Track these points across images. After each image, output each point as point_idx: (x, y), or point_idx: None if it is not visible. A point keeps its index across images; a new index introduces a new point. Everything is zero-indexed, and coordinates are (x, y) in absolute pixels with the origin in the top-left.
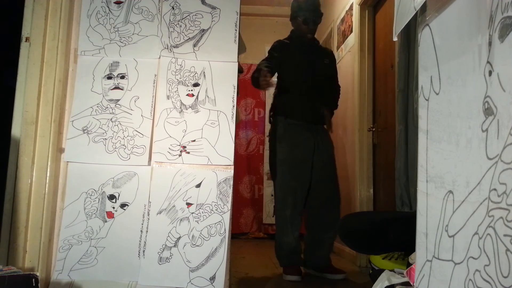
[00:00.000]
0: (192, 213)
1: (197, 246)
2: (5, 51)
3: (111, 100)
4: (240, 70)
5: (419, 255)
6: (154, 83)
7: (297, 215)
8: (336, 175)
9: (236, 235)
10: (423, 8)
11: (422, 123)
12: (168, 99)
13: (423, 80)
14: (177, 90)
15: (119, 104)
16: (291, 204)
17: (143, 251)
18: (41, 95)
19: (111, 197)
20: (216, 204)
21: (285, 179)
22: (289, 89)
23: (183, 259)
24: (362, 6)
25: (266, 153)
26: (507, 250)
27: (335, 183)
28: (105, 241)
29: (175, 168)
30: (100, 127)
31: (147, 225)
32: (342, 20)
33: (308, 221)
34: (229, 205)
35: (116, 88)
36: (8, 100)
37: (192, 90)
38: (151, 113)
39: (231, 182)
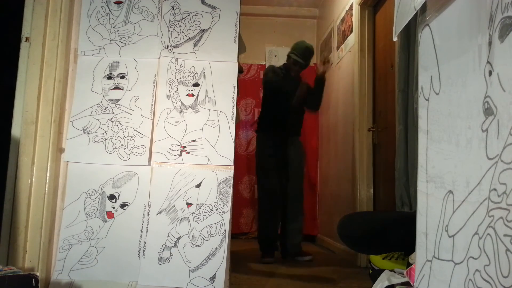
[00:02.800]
0: (192, 213)
1: (197, 246)
2: (5, 51)
3: (111, 100)
4: (240, 70)
5: (419, 255)
6: (154, 83)
7: (273, 211)
8: (303, 176)
9: (236, 235)
10: (423, 8)
11: (422, 123)
12: (168, 99)
13: (423, 80)
14: (177, 90)
15: (119, 104)
16: (269, 202)
17: (143, 251)
18: (41, 95)
19: (111, 197)
20: (216, 204)
21: (263, 183)
22: (270, 110)
23: (183, 259)
24: (362, 6)
25: None
26: (507, 250)
27: (300, 183)
28: (105, 241)
29: (175, 168)
30: (100, 127)
31: (147, 225)
32: (342, 20)
33: (282, 215)
34: (229, 205)
35: (116, 88)
36: (8, 100)
37: (192, 90)
38: (151, 113)
39: (231, 182)
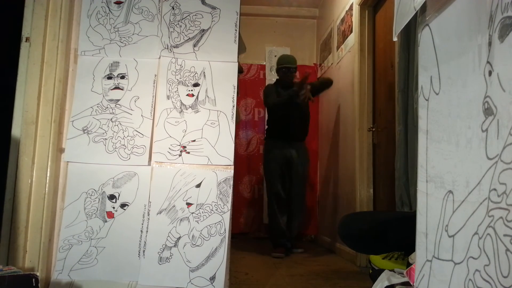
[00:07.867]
0: (192, 213)
1: (197, 246)
2: (5, 51)
3: (111, 100)
4: (240, 70)
5: (419, 255)
6: (154, 83)
7: (281, 207)
8: (307, 176)
9: (236, 235)
10: (423, 8)
11: (422, 123)
12: (168, 99)
13: (423, 80)
14: (177, 90)
15: (119, 104)
16: (276, 200)
17: (143, 251)
18: (41, 95)
19: (111, 197)
20: (216, 204)
21: (272, 183)
22: (274, 119)
23: (183, 259)
24: (362, 6)
25: None
26: (507, 250)
27: (303, 185)
28: (105, 241)
29: (175, 168)
30: (100, 127)
31: (147, 225)
32: (342, 20)
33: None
34: (229, 205)
35: (116, 88)
36: (8, 100)
37: (192, 90)
38: (151, 113)
39: (231, 182)
